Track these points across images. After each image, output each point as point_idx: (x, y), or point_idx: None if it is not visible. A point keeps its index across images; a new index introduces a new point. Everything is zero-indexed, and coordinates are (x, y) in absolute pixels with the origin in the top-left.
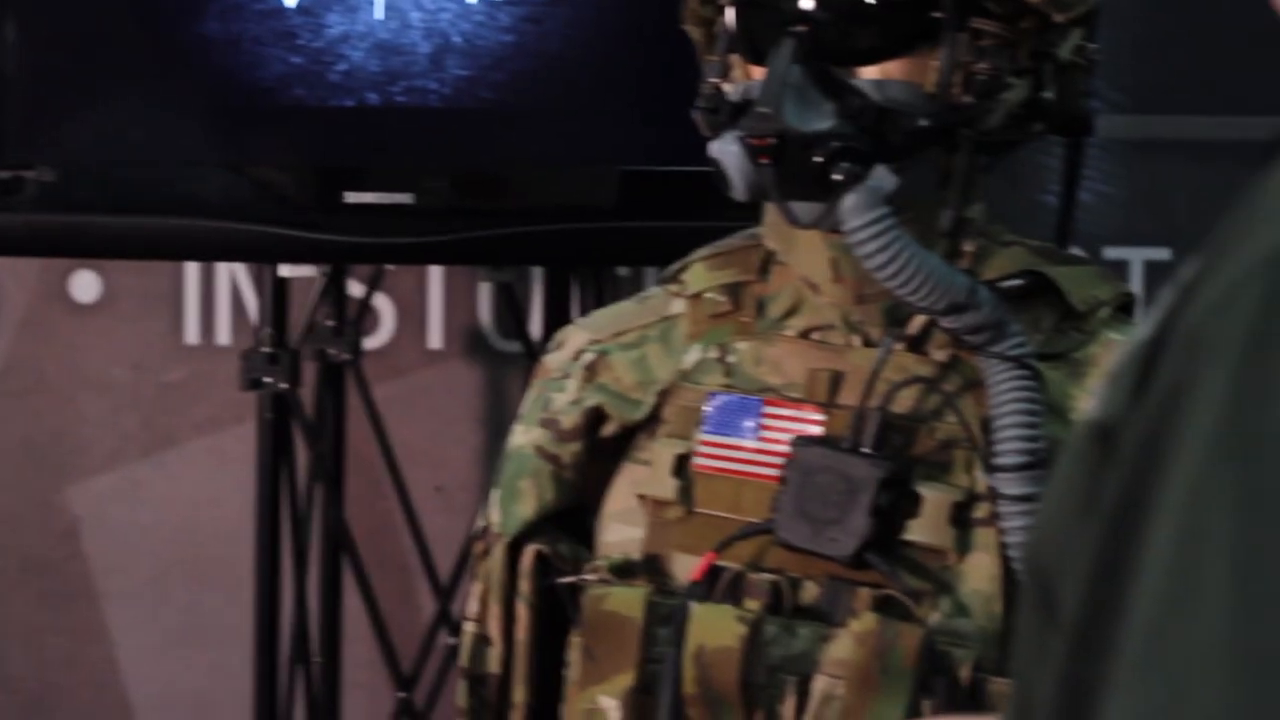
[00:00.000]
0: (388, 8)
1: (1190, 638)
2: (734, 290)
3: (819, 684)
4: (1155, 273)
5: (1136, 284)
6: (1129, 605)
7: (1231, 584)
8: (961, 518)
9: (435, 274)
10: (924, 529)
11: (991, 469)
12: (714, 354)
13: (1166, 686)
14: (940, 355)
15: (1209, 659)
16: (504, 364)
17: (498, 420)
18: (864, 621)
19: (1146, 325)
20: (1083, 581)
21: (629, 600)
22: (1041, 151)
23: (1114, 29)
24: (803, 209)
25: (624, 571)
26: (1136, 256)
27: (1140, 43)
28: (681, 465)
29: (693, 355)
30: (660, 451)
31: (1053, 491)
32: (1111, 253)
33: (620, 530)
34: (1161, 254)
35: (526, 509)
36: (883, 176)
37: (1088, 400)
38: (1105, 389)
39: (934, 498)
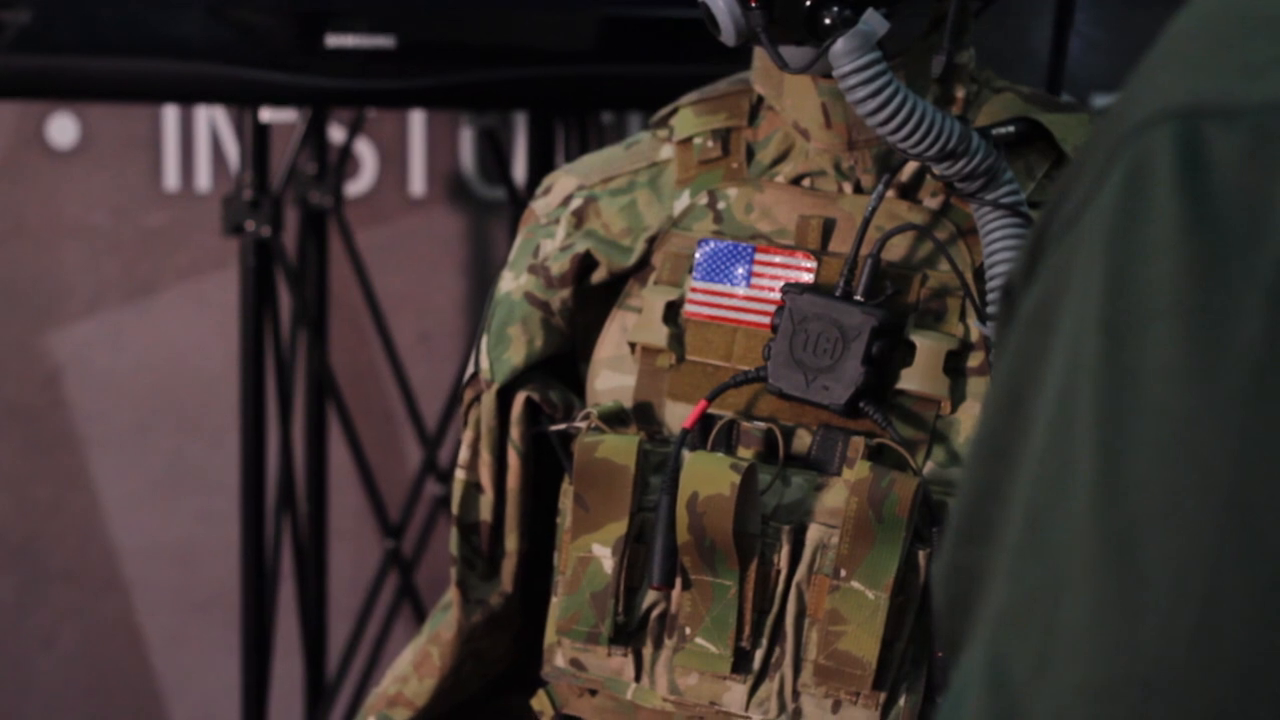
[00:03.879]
0: None
1: (1061, 519)
2: (723, 136)
3: (813, 533)
4: None
5: None
6: (1012, 490)
7: (1095, 461)
8: (955, 366)
9: (417, 119)
10: (917, 377)
11: (985, 317)
12: (703, 200)
13: (1041, 569)
14: (932, 203)
15: (1077, 539)
16: (487, 211)
17: (481, 267)
18: (858, 470)
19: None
20: (973, 463)
21: (621, 448)
22: None
23: None
24: (793, 53)
25: (616, 419)
26: None
27: None
28: (672, 312)
29: (682, 201)
30: (650, 299)
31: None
32: (1100, 100)
33: (611, 378)
34: None
35: (516, 356)
36: (874, 20)
37: None
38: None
39: (927, 346)
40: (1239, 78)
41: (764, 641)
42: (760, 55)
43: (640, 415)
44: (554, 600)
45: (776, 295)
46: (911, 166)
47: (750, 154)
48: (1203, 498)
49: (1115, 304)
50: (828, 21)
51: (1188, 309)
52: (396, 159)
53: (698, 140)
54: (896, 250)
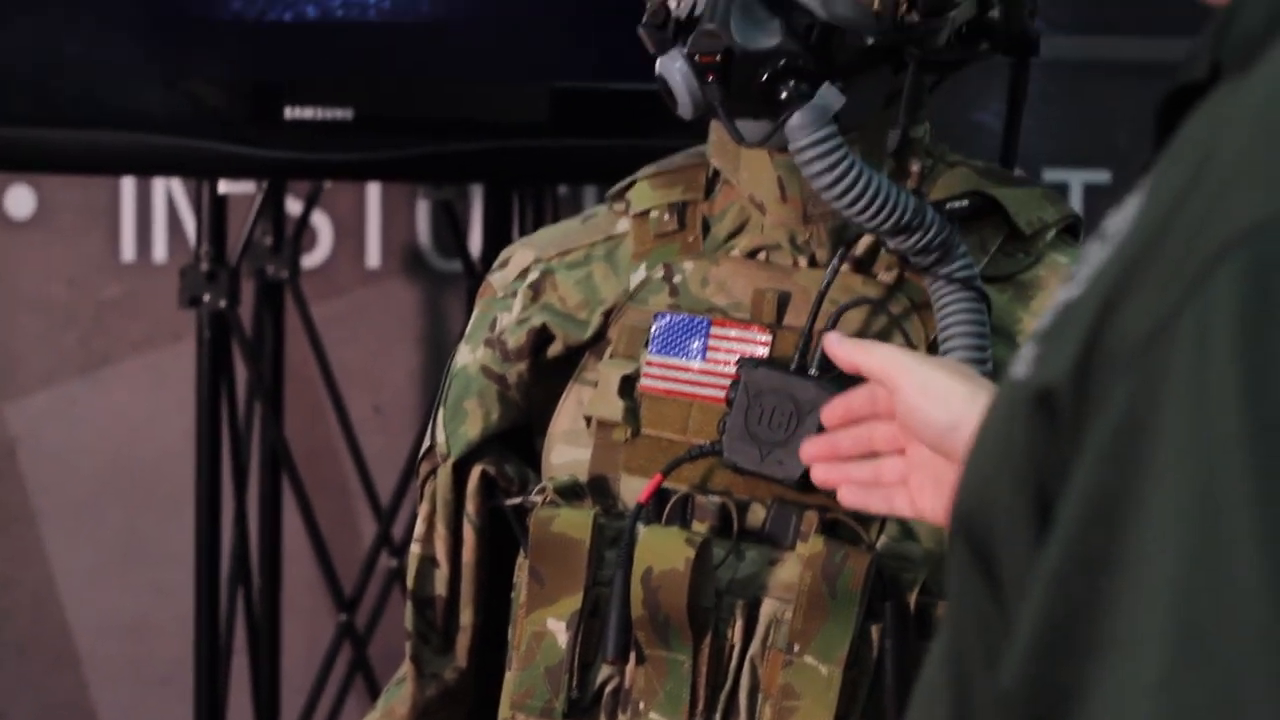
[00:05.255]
0: None
1: (1230, 632)
2: (679, 209)
3: (767, 607)
4: (1095, 195)
5: (1076, 206)
6: (1127, 606)
7: (1269, 570)
8: None
9: (374, 191)
10: None
11: None
12: (660, 274)
13: (1208, 685)
14: (887, 276)
15: (1259, 652)
16: (443, 283)
17: (437, 340)
18: (812, 545)
19: (1077, 285)
20: (1054, 577)
21: (576, 522)
22: (985, 72)
23: None
24: (749, 127)
25: (571, 493)
26: (1076, 179)
27: None
28: (628, 386)
29: (638, 275)
30: (607, 372)
31: (980, 453)
32: (1051, 174)
33: (567, 451)
34: (1101, 176)
35: (472, 429)
36: (829, 95)
37: (1024, 343)
38: (1039, 348)
39: None
40: None
41: (718, 717)
42: (716, 129)
43: (595, 489)
44: (508, 675)
45: (732, 369)
46: (866, 240)
47: (706, 227)
48: None
49: (1259, 412)
50: (784, 96)
51: None
52: (353, 231)
53: (654, 214)
54: (851, 324)
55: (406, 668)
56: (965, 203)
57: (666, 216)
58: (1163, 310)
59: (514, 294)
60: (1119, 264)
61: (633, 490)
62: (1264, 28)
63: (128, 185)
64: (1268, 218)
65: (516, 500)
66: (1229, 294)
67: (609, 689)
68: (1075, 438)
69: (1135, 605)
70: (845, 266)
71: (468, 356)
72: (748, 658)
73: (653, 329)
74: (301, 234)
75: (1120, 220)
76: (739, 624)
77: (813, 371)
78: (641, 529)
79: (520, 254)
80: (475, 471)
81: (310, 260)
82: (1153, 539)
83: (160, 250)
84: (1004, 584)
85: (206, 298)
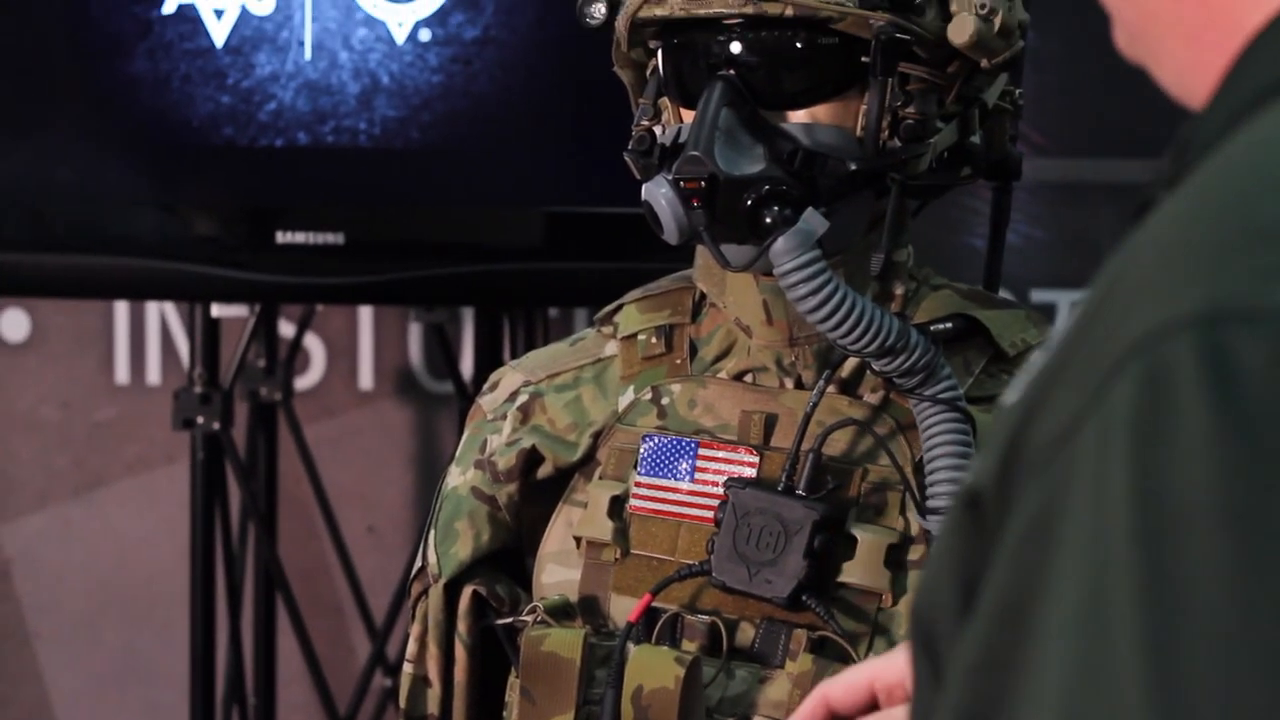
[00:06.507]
0: (316, 48)
1: None
2: (666, 332)
3: None
4: None
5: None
6: (1023, 711)
7: (1146, 669)
8: (896, 559)
9: (365, 314)
10: (859, 571)
11: (925, 511)
12: (648, 396)
13: None
14: (872, 398)
15: None
16: (435, 404)
17: (429, 461)
18: (801, 663)
19: (1015, 389)
20: (967, 671)
21: (567, 641)
22: (968, 195)
23: (1039, 73)
24: (734, 252)
25: (561, 613)
26: (1063, 299)
27: (1065, 87)
28: (617, 507)
29: (627, 397)
30: (596, 493)
31: (933, 552)
32: (1038, 295)
33: (557, 571)
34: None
35: (463, 550)
36: (813, 219)
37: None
38: (981, 453)
39: (868, 540)
40: (1256, 282)
41: None
42: (702, 253)
43: (586, 609)
44: None
45: (720, 490)
46: (852, 362)
47: (693, 350)
48: (1272, 694)
49: (1147, 512)
50: (768, 220)
51: (1230, 513)
52: (345, 353)
53: (642, 337)
54: (837, 445)
55: None
56: (949, 325)
57: (654, 339)
58: (1070, 416)
59: (504, 416)
60: (1044, 372)
61: (622, 610)
62: (1216, 137)
63: (121, 308)
64: (1160, 326)
65: (508, 620)
66: (1125, 401)
67: None
68: (996, 538)
69: (1028, 711)
70: (831, 388)
71: (458, 478)
72: None
73: (641, 450)
74: (294, 356)
75: (1058, 330)
76: None
77: (800, 491)
78: (632, 648)
79: (509, 377)
80: (467, 592)
81: (303, 382)
82: (1046, 643)
83: (154, 372)
84: (945, 679)
85: (200, 420)
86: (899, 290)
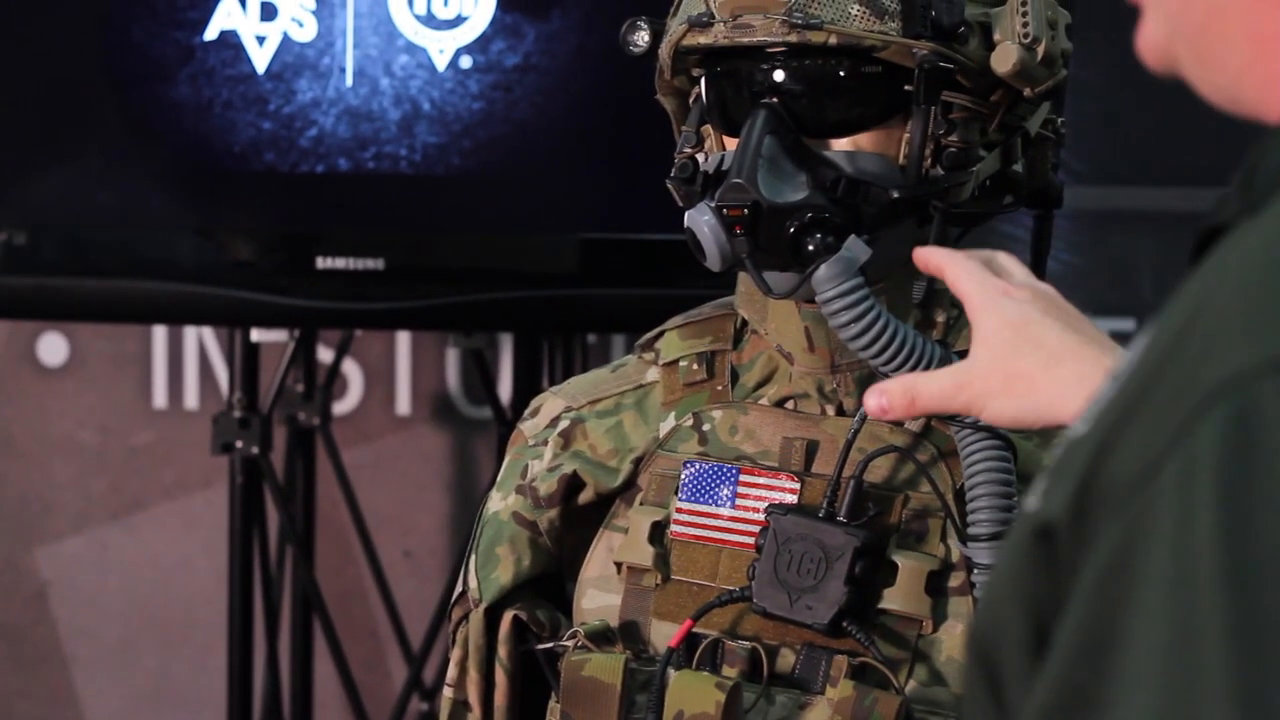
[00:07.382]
0: (357, 74)
1: None
2: (708, 359)
3: None
4: (1120, 343)
5: None
6: None
7: (1238, 708)
8: (937, 586)
9: (404, 339)
10: (900, 597)
11: (965, 538)
12: (689, 422)
13: None
14: (914, 425)
15: None
16: (472, 430)
17: (466, 486)
18: (841, 689)
19: (1084, 421)
20: (1042, 711)
21: (607, 667)
22: (1009, 222)
23: (1080, 102)
24: (777, 279)
25: (602, 638)
26: (1102, 328)
27: (1107, 116)
28: (658, 532)
29: (668, 423)
30: (637, 519)
31: (996, 577)
32: None
33: (598, 597)
34: (1126, 325)
35: (504, 575)
36: (856, 246)
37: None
38: (1046, 482)
39: (909, 566)
40: None
41: None
42: (744, 280)
43: (626, 634)
44: None
45: (761, 516)
46: None
47: (735, 377)
48: None
49: (1235, 555)
50: (811, 248)
51: None
52: (383, 378)
53: (683, 363)
54: (879, 472)
55: None
56: None
57: (695, 366)
58: (1151, 454)
59: (545, 442)
60: (1117, 405)
61: (663, 635)
62: None
63: (159, 333)
64: (1252, 368)
65: (548, 645)
66: (1212, 442)
67: None
68: (1071, 573)
69: None
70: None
71: (499, 503)
72: None
73: (682, 476)
74: (333, 381)
75: (1126, 360)
76: None
77: (841, 518)
78: (672, 673)
79: (550, 403)
80: (507, 617)
81: (341, 407)
82: (1131, 680)
83: (191, 397)
84: (1007, 707)
85: (239, 444)
86: (940, 318)
